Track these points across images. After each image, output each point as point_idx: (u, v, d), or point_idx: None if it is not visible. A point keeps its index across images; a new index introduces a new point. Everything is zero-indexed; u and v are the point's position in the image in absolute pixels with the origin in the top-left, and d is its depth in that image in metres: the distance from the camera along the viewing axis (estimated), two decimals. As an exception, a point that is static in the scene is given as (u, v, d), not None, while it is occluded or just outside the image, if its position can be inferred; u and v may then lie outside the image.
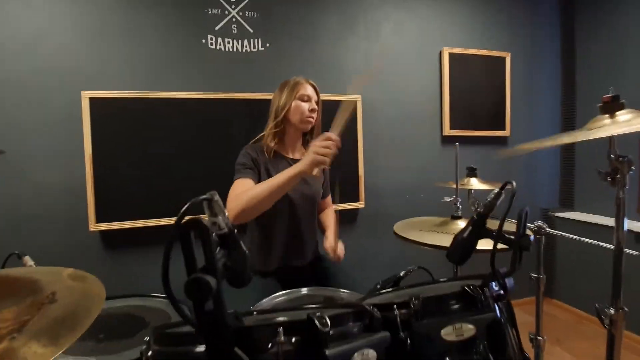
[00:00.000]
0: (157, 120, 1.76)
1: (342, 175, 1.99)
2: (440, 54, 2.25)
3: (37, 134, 1.64)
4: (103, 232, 1.76)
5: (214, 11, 1.86)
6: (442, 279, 0.82)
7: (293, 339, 0.41)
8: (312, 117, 1.32)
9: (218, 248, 0.41)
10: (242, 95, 1.88)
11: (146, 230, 1.77)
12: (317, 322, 0.41)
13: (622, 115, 0.73)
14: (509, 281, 0.58)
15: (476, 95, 2.32)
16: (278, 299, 1.06)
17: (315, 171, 1.05)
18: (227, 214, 0.44)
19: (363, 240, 2.15)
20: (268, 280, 1.33)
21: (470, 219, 0.64)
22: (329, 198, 1.60)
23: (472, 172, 1.29)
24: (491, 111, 2.37)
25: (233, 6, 1.89)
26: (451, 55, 2.24)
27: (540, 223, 1.16)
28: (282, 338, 0.40)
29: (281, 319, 0.45)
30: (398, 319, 0.57)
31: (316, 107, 1.33)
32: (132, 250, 1.80)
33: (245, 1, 1.90)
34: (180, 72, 1.83)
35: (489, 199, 0.63)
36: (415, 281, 0.89)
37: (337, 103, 2.00)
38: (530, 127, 2.47)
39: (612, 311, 0.80)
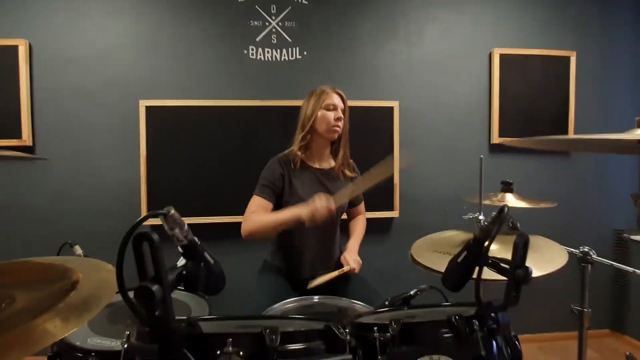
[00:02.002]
0: (204, 125, 1.91)
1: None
2: (490, 55, 2.09)
3: (102, 136, 1.89)
4: (154, 227, 1.94)
5: (256, 23, 1.96)
6: (445, 303, 0.77)
7: (241, 352, 0.42)
8: (338, 126, 1.32)
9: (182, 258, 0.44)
10: (280, 103, 1.95)
11: (193, 226, 1.90)
12: (266, 338, 0.42)
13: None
14: (503, 316, 0.52)
15: (533, 100, 2.09)
16: (289, 305, 1.08)
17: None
18: (185, 227, 0.46)
19: (395, 251, 2.08)
20: (294, 290, 1.36)
21: (467, 243, 0.59)
22: (362, 206, 1.58)
23: (507, 187, 1.17)
24: (551, 117, 2.12)
25: (273, 17, 1.97)
26: (502, 56, 2.06)
27: (586, 249, 1.02)
28: (230, 349, 0.41)
29: (233, 330, 0.46)
30: (377, 342, 0.55)
31: (342, 115, 1.33)
32: (178, 244, 1.96)
33: (286, 11, 1.97)
34: (224, 82, 1.96)
35: (486, 223, 0.57)
36: (430, 300, 0.85)
37: (374, 109, 2.01)
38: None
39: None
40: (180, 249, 0.45)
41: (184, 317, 0.45)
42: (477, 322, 0.52)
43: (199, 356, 0.41)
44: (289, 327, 0.47)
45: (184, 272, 0.44)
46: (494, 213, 0.56)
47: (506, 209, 0.53)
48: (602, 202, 2.21)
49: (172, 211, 0.45)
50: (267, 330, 0.42)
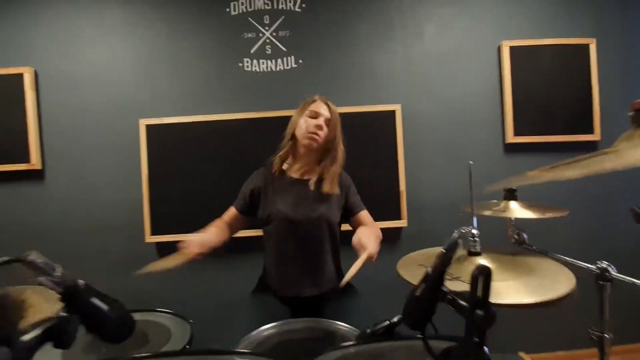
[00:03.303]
0: (203, 141, 1.90)
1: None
2: (499, 49, 1.94)
3: (103, 155, 1.93)
4: (157, 244, 1.95)
5: (249, 35, 1.94)
6: (419, 336, 0.67)
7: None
8: (317, 134, 1.24)
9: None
10: (279, 113, 1.90)
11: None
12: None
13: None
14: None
15: (550, 93, 1.92)
16: (269, 332, 1.02)
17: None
18: (58, 271, 0.41)
19: (404, 263, 1.95)
20: (283, 307, 1.29)
21: (425, 275, 0.50)
22: (364, 214, 1.37)
23: (510, 195, 1.05)
24: (573, 111, 1.93)
25: (267, 28, 1.94)
26: (513, 49, 1.90)
27: (605, 264, 0.87)
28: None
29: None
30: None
31: (323, 124, 1.25)
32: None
33: (279, 22, 1.94)
34: (220, 96, 1.95)
35: (443, 250, 0.48)
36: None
37: (374, 114, 1.92)
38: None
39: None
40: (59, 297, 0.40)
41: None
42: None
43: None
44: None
45: (52, 327, 0.39)
46: (451, 239, 0.47)
47: (457, 236, 0.44)
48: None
49: (32, 256, 0.40)
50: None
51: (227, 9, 1.94)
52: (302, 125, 1.25)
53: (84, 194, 1.93)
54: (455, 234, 0.46)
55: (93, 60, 1.92)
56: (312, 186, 1.27)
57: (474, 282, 0.41)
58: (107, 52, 1.92)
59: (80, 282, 0.43)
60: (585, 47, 1.88)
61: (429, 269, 0.48)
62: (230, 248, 1.87)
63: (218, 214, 1.88)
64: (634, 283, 0.80)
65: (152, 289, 1.95)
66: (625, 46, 1.93)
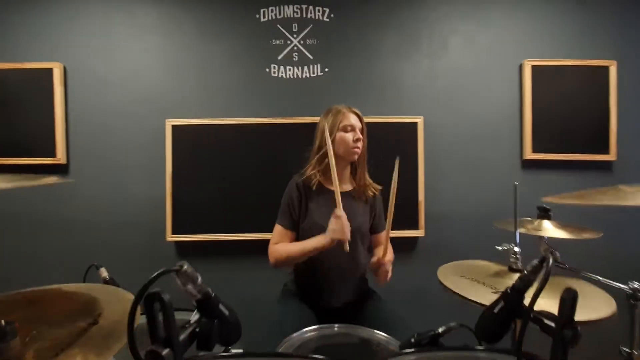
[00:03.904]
0: (227, 143, 1.92)
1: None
2: (521, 67, 1.99)
3: (129, 154, 1.95)
4: (178, 243, 1.97)
5: (278, 41, 1.97)
6: (479, 347, 0.71)
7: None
8: (358, 147, 1.29)
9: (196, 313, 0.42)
10: (302, 120, 1.94)
11: (216, 243, 1.93)
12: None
13: None
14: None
15: (569, 112, 1.97)
16: (309, 334, 1.04)
17: (345, 246, 1.17)
18: (199, 280, 0.45)
19: (421, 272, 1.99)
20: (310, 313, 1.32)
21: (504, 292, 0.53)
22: (382, 235, 1.44)
23: (544, 214, 1.09)
24: (590, 131, 1.98)
25: (295, 35, 1.98)
26: (534, 67, 1.95)
27: (636, 285, 0.91)
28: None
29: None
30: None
31: (361, 136, 1.30)
32: (202, 260, 1.97)
33: (307, 30, 1.98)
34: (246, 100, 1.98)
35: (526, 271, 0.51)
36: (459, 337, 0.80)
37: (397, 125, 1.96)
38: (646, 150, 1.99)
39: None
40: (194, 303, 0.43)
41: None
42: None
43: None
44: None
45: (197, 330, 0.42)
46: (535, 261, 0.50)
47: (551, 260, 0.47)
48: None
49: (185, 266, 0.43)
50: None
51: (257, 15, 1.97)
52: (341, 141, 1.28)
53: (107, 190, 1.95)
54: (549, 257, 0.48)
55: (122, 58, 1.94)
56: (359, 195, 1.36)
57: (562, 304, 0.45)
58: (137, 52, 1.95)
59: (211, 290, 0.46)
60: (606, 70, 1.94)
61: (508, 289, 0.52)
62: (255, 249, 1.90)
63: (238, 216, 1.92)
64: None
65: (176, 287, 1.97)
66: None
